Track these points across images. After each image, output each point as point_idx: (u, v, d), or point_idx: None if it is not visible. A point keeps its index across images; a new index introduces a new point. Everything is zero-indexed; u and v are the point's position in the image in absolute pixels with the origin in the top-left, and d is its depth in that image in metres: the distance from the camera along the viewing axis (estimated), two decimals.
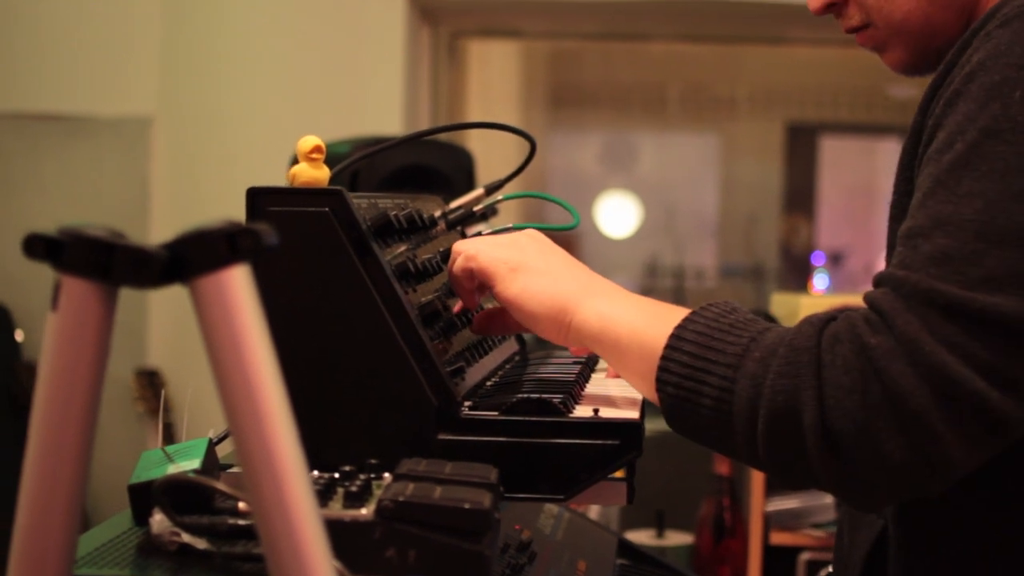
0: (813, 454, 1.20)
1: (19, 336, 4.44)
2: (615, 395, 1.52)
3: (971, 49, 1.32)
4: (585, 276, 1.43)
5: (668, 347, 1.31)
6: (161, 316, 4.52)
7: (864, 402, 1.17)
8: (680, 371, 1.29)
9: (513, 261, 1.42)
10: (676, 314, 1.35)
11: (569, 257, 1.46)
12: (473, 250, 1.45)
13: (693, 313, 1.33)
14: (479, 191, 1.71)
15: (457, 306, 1.56)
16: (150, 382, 4.41)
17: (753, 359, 1.24)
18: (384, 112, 4.59)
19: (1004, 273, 1.19)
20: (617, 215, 8.82)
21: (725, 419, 1.26)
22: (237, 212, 1.34)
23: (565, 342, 1.43)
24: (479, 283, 1.47)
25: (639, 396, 1.52)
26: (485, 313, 1.55)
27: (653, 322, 1.35)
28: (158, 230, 4.48)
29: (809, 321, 1.25)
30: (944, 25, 1.50)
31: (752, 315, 1.32)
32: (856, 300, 2.86)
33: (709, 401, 1.27)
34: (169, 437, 3.49)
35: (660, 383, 1.31)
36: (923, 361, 1.17)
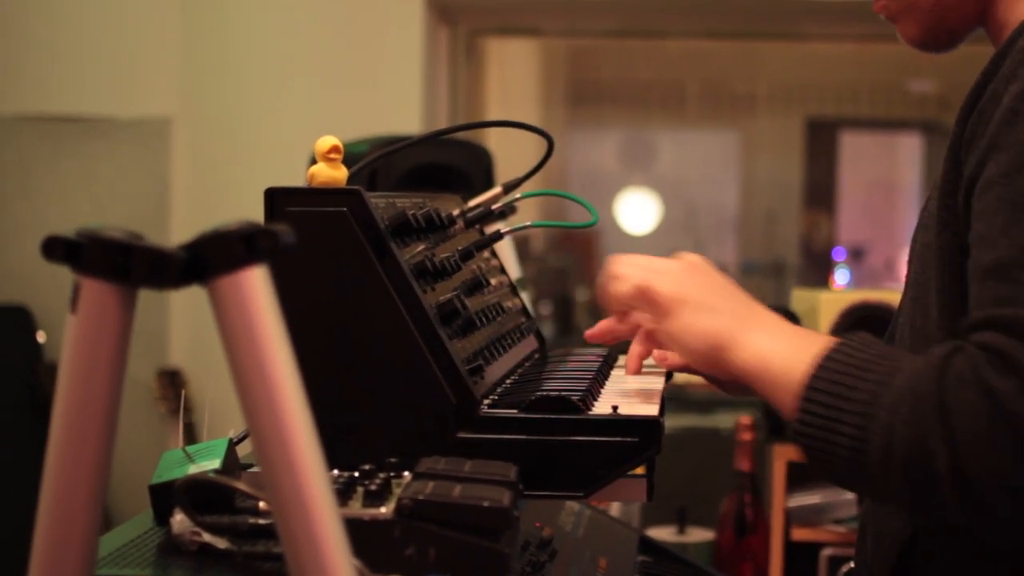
0: (949, 499, 1.19)
1: (40, 337, 4.45)
2: (634, 392, 1.52)
3: (1013, 61, 1.30)
4: (742, 308, 1.41)
5: (803, 398, 1.29)
6: (182, 317, 4.53)
7: (996, 446, 1.15)
8: (815, 422, 1.28)
9: (675, 293, 1.42)
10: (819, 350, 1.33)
11: (727, 285, 1.45)
12: (644, 281, 1.44)
13: (824, 358, 1.30)
14: (497, 189, 1.71)
15: (598, 332, 1.64)
16: (171, 382, 4.42)
17: (883, 407, 1.22)
18: (402, 112, 4.59)
19: None
20: (637, 212, 8.82)
21: (862, 468, 1.25)
22: (257, 212, 1.34)
23: (721, 376, 1.43)
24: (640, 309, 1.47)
25: (658, 393, 1.52)
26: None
27: (795, 365, 1.32)
28: (178, 231, 4.49)
29: (929, 362, 1.22)
30: (957, 6, 1.50)
31: (881, 350, 1.29)
32: (877, 296, 2.85)
33: (845, 452, 1.26)
34: (190, 437, 3.50)
35: (798, 435, 1.31)
36: None
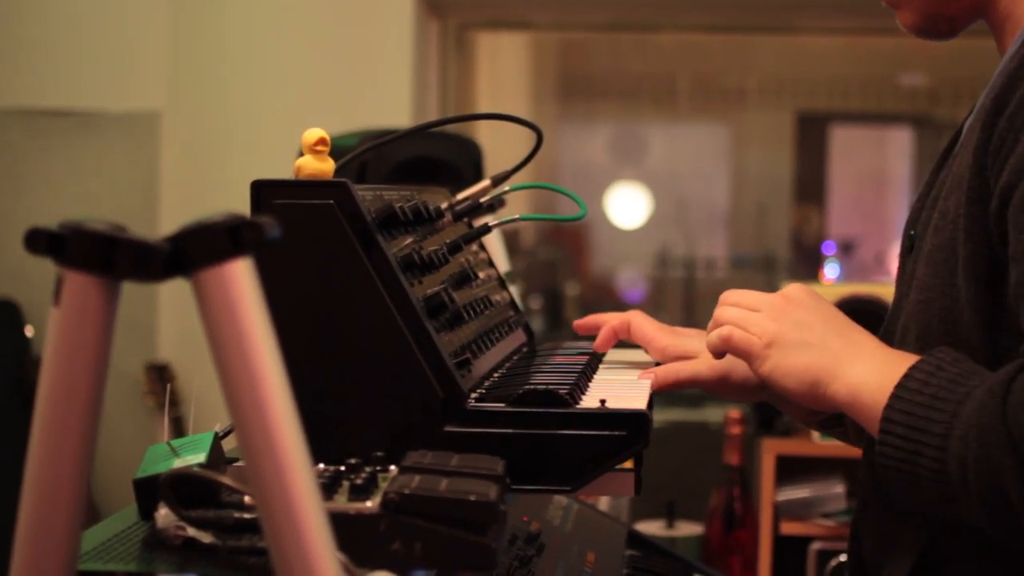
0: None
1: (29, 331, 4.44)
2: (622, 386, 1.51)
3: None
4: (835, 340, 1.40)
5: (881, 431, 1.30)
6: (171, 310, 4.52)
7: None
8: (895, 455, 1.29)
9: (767, 336, 1.42)
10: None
11: (826, 315, 1.44)
12: (727, 331, 1.45)
13: (899, 387, 1.30)
14: (486, 182, 1.71)
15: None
16: (160, 376, 4.41)
17: (956, 438, 1.23)
18: (393, 105, 4.58)
19: None
20: (627, 206, 8.81)
21: (949, 499, 1.26)
22: (246, 206, 1.34)
23: (830, 411, 1.44)
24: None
25: (646, 387, 1.51)
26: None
27: (882, 397, 1.32)
28: (167, 224, 4.47)
29: (992, 389, 1.22)
30: None
31: (953, 374, 1.28)
32: (868, 290, 2.84)
33: (928, 484, 1.27)
34: (178, 431, 3.50)
35: (882, 468, 1.31)
36: None
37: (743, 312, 1.45)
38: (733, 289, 1.51)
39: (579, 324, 1.73)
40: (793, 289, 1.47)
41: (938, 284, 1.39)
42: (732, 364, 1.58)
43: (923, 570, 1.43)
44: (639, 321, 1.70)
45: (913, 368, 1.31)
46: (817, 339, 1.40)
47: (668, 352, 1.66)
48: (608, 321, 1.71)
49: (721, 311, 1.48)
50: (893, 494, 1.34)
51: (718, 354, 1.50)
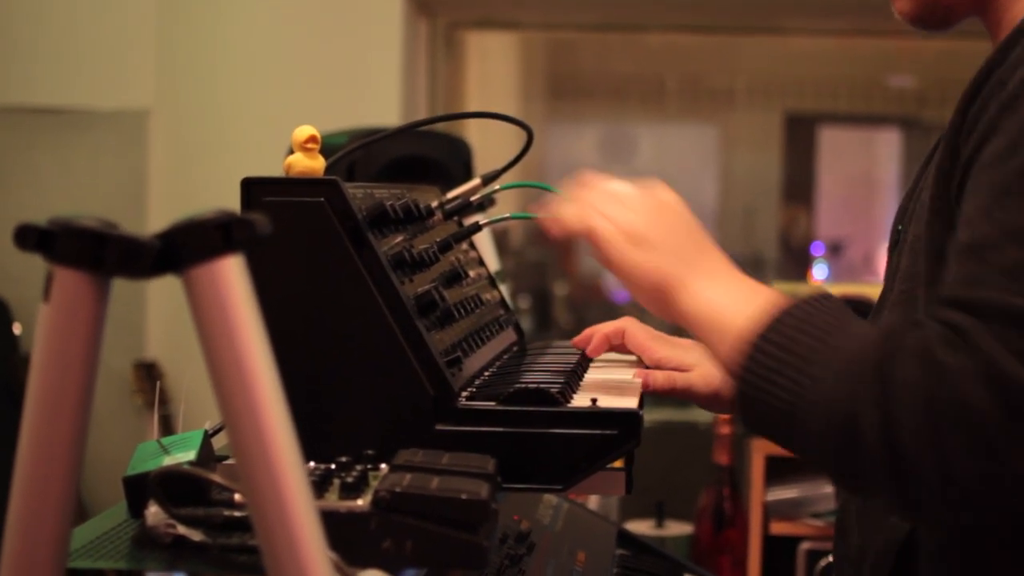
0: (871, 466, 1.15)
1: (17, 329, 4.43)
2: (614, 384, 1.51)
3: (1021, 48, 1.28)
4: (697, 254, 1.38)
5: (754, 345, 1.25)
6: (159, 308, 4.51)
7: (933, 423, 1.11)
8: (759, 371, 1.24)
9: (628, 227, 1.38)
10: (765, 305, 1.29)
11: (691, 228, 1.41)
12: (587, 213, 1.41)
13: (783, 311, 1.26)
14: (476, 181, 1.71)
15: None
16: (148, 374, 4.40)
17: (820, 364, 1.19)
18: (382, 104, 4.58)
19: None
20: None
21: (794, 423, 1.21)
22: (235, 204, 1.33)
23: (668, 319, 1.39)
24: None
25: (638, 386, 1.51)
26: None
27: (738, 317, 1.28)
28: (156, 223, 4.46)
29: (881, 330, 1.19)
30: None
31: (836, 316, 1.24)
32: (856, 290, 2.85)
33: (779, 403, 1.22)
34: (167, 429, 3.49)
35: (739, 381, 1.27)
36: (1002, 382, 1.10)
37: (613, 200, 1.42)
38: (604, 176, 1.47)
39: (576, 341, 1.72)
40: (667, 196, 1.44)
41: (915, 272, 1.39)
42: (726, 380, 1.57)
43: (906, 563, 1.42)
44: (633, 329, 1.69)
45: (805, 301, 1.26)
46: (674, 246, 1.38)
47: (664, 364, 1.65)
48: (601, 330, 1.70)
49: (586, 193, 1.44)
50: (743, 414, 1.29)
51: (565, 233, 1.44)
